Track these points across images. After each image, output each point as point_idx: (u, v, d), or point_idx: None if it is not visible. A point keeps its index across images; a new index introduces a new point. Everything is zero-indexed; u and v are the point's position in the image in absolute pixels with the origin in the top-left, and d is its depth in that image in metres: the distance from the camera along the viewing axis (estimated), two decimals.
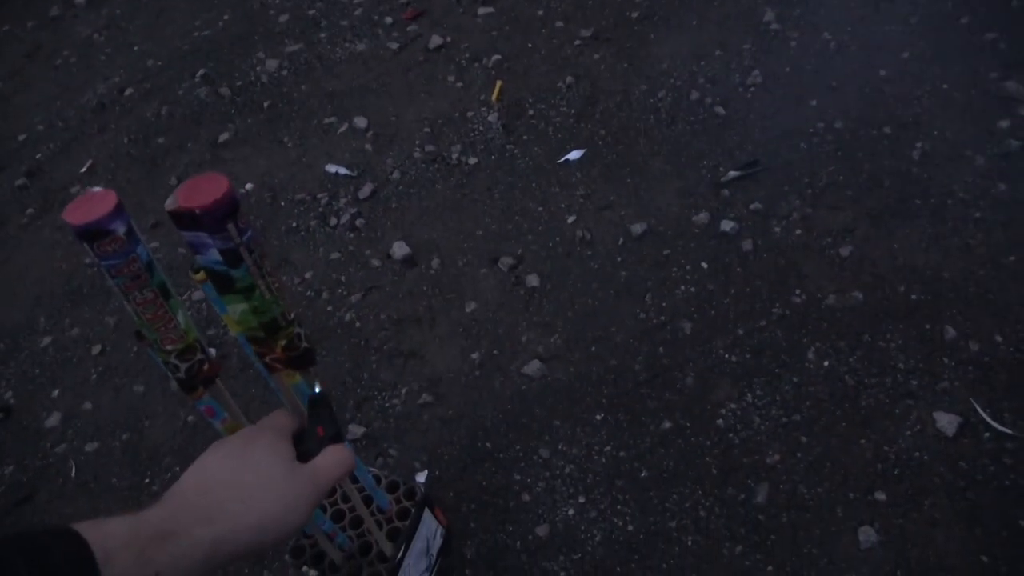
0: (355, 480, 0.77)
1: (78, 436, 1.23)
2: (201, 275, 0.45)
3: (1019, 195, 1.19)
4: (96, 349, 1.35)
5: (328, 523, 0.75)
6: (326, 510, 0.82)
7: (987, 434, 0.93)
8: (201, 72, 1.89)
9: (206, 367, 0.51)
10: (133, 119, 1.85)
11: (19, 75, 2.19)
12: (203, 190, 0.40)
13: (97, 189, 0.41)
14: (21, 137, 1.93)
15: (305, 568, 0.80)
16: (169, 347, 0.47)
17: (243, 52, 1.95)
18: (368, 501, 0.81)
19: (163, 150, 1.73)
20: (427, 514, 0.84)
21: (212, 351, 0.89)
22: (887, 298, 1.11)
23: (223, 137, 1.72)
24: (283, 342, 0.49)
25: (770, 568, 0.88)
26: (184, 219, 0.40)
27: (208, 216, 0.39)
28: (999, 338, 1.03)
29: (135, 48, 2.12)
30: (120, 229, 0.40)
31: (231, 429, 0.55)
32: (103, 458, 1.19)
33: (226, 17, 2.12)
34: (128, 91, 1.94)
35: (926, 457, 0.93)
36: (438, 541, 0.88)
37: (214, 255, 0.42)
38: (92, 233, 0.39)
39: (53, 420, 1.26)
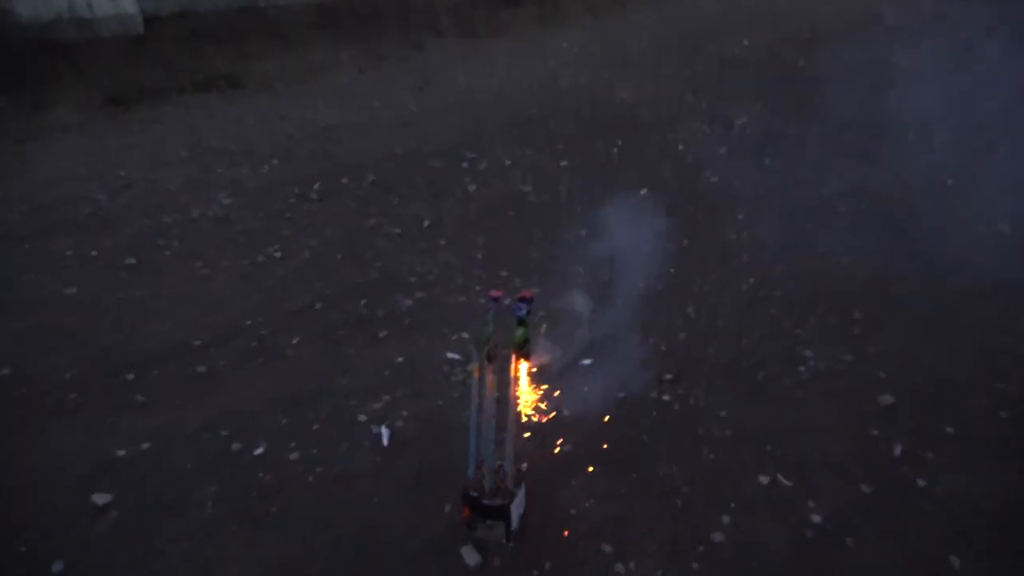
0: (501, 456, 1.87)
1: None
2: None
3: None
4: None
5: (491, 460, 1.83)
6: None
7: None
8: None
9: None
10: None
11: None
12: (524, 294, 1.75)
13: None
14: None
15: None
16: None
17: None
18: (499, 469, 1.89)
19: None
20: (523, 488, 1.90)
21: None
22: None
23: None
24: (524, 350, 1.77)
25: None
26: (520, 299, 1.74)
27: (526, 300, 1.74)
28: None
29: None
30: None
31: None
32: None
33: None
34: None
35: None
36: (521, 506, 1.90)
37: (522, 311, 1.75)
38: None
39: None
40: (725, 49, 6.89)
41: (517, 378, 1.79)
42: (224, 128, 5.49)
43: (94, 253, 3.59)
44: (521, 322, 1.69)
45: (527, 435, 2.23)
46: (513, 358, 1.76)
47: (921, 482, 2.01)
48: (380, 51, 7.74)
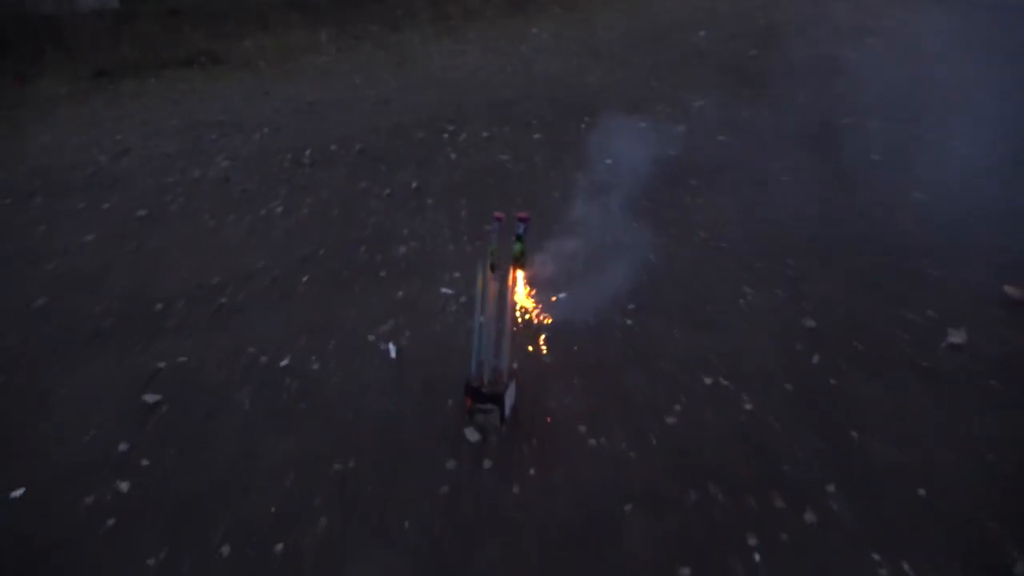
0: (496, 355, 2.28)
1: None
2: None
3: None
4: None
5: (489, 358, 2.24)
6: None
7: None
8: None
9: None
10: None
11: None
12: (521, 215, 2.16)
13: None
14: None
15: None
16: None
17: None
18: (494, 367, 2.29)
19: None
20: (514, 382, 2.31)
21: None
22: None
23: None
24: (520, 262, 2.17)
25: None
26: (519, 219, 2.15)
27: (524, 220, 2.14)
28: None
29: None
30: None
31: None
32: None
33: None
34: None
35: None
36: (513, 397, 2.31)
37: (520, 229, 2.15)
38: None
39: None
40: (687, 41, 7.38)
41: (514, 286, 2.20)
42: (209, 102, 5.75)
43: (105, 206, 3.87)
44: (519, 238, 2.10)
45: (518, 340, 2.64)
46: (511, 269, 2.17)
47: (833, 381, 2.49)
48: (356, 32, 8.03)
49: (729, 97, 5.52)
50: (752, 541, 1.87)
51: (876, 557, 1.83)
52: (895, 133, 4.70)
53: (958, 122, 4.62)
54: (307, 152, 4.62)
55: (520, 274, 2.22)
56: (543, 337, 2.73)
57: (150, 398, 2.43)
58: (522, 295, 2.77)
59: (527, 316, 2.85)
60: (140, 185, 4.16)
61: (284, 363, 2.61)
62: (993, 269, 3.12)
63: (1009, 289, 2.97)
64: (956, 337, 2.70)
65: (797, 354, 2.65)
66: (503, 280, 2.17)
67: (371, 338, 2.75)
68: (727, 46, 7.18)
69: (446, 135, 4.89)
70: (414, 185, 4.12)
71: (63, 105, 5.69)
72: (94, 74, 6.38)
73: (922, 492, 2.02)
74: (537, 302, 2.92)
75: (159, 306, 2.98)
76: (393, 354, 2.65)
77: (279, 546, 1.88)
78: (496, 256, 2.09)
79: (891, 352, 2.65)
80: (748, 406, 2.37)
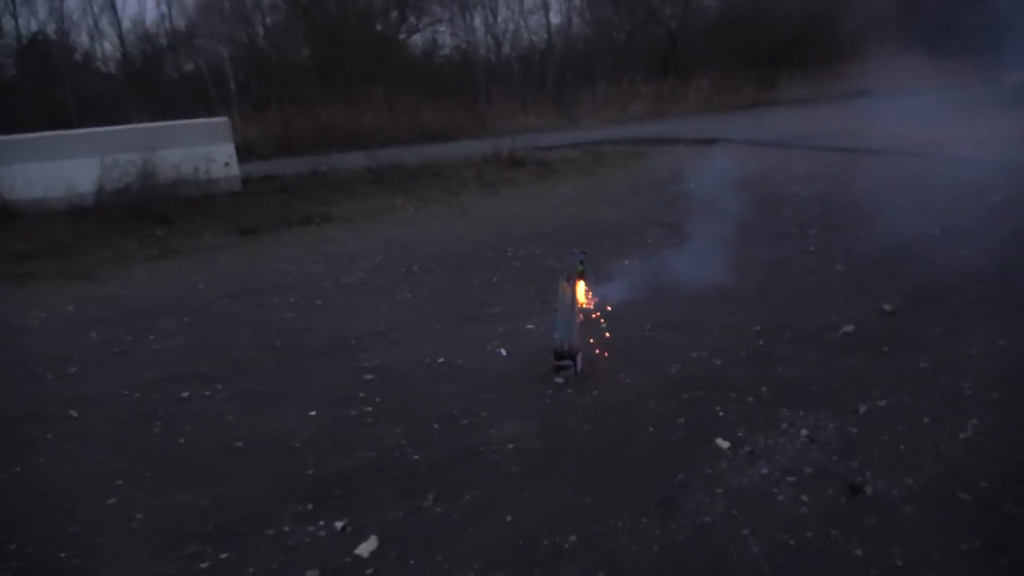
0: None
1: None
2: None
3: None
4: None
5: (566, 334, 4.00)
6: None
7: None
8: None
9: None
10: None
11: None
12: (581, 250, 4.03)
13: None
14: None
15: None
16: None
17: None
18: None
19: None
20: (580, 352, 4.05)
21: None
22: None
23: None
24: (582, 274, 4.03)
25: None
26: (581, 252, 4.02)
27: (583, 253, 4.02)
28: None
29: None
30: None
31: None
32: None
33: None
34: None
35: None
36: (580, 362, 4.04)
37: (582, 257, 4.01)
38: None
39: None
40: (679, 189, 9.66)
41: (579, 289, 4.02)
42: (332, 244, 7.92)
43: (292, 299, 5.82)
44: (581, 262, 3.97)
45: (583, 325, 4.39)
46: (578, 279, 4.01)
47: (768, 350, 4.19)
48: (424, 196, 10.45)
49: (708, 222, 7.58)
50: (721, 412, 3.53)
51: (787, 412, 3.46)
52: (825, 236, 6.65)
53: (869, 225, 6.58)
54: (414, 266, 6.64)
55: (582, 283, 4.05)
56: (599, 322, 4.51)
57: (367, 376, 4.19)
58: (583, 296, 4.55)
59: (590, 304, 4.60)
60: (308, 288, 6.14)
61: (440, 360, 4.38)
62: (877, 298, 4.89)
63: (886, 306, 4.72)
64: (847, 328, 4.43)
65: (752, 339, 4.38)
66: (573, 286, 4.01)
67: (488, 347, 4.53)
68: (709, 191, 9.42)
69: (508, 253, 6.93)
70: (495, 279, 6.07)
71: (225, 250, 7.87)
72: (240, 232, 8.66)
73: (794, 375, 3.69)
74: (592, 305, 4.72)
75: (352, 341, 4.80)
76: (504, 353, 4.42)
77: (464, 421, 3.56)
78: (570, 272, 3.95)
79: (805, 335, 4.37)
80: (717, 362, 4.08)
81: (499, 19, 21.65)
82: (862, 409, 3.37)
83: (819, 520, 2.59)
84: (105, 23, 19.75)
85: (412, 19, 20.72)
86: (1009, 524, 2.49)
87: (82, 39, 19.84)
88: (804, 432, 3.20)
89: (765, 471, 2.91)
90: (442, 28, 21.68)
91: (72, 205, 9.00)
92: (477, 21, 21.51)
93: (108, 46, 20.21)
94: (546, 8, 22.09)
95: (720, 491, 2.81)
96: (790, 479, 2.85)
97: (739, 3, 21.99)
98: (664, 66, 20.61)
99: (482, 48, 21.84)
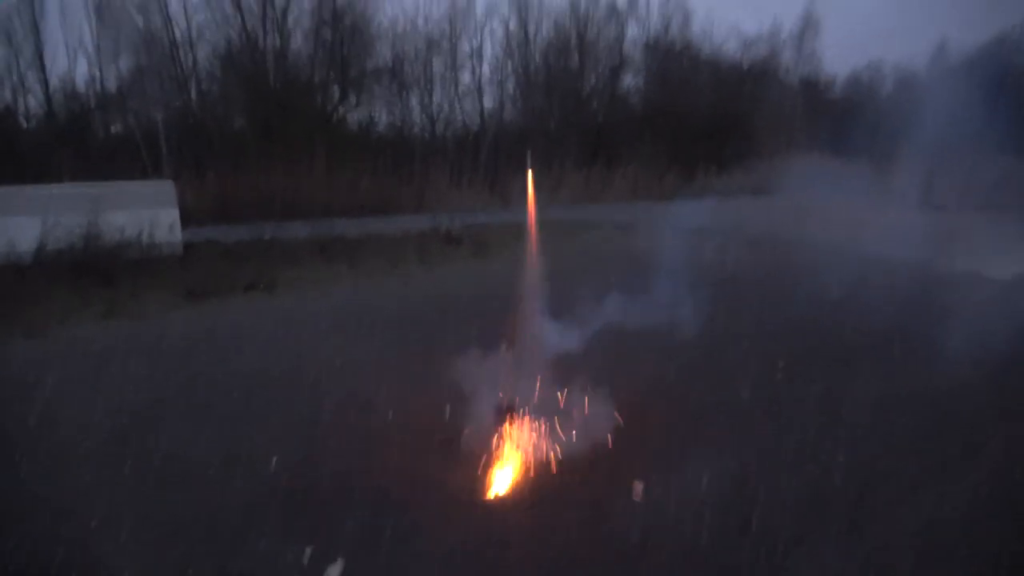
0: None
1: None
2: None
3: None
4: None
5: None
6: None
7: None
8: None
9: None
10: None
11: None
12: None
13: None
14: None
15: None
16: None
17: None
18: None
19: None
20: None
21: None
22: None
23: None
24: None
25: None
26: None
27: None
28: None
29: None
30: None
31: None
32: None
33: None
34: None
35: None
36: None
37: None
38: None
39: None
40: (603, 251, 10.51)
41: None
42: (281, 309, 8.20)
43: (265, 348, 6.08)
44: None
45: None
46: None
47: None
48: (367, 268, 10.88)
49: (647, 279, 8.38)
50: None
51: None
52: (768, 301, 7.55)
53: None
54: (381, 317, 7.06)
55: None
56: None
57: None
58: None
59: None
60: (270, 338, 6.42)
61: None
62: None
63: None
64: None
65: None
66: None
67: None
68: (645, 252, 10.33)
69: (458, 308, 7.45)
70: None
71: (172, 312, 8.01)
72: (186, 294, 8.79)
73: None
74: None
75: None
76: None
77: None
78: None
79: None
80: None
81: (434, 100, 22.78)
82: None
83: None
84: (32, 79, 19.48)
85: (352, 96, 21.50)
86: None
87: (5, 93, 19.41)
88: None
89: None
90: (378, 106, 22.57)
91: (10, 263, 8.91)
92: (413, 101, 22.58)
93: (32, 101, 19.88)
94: (479, 92, 23.45)
95: None
96: None
97: (658, 100, 24.13)
98: (593, 154, 22.15)
99: (416, 127, 22.84)
